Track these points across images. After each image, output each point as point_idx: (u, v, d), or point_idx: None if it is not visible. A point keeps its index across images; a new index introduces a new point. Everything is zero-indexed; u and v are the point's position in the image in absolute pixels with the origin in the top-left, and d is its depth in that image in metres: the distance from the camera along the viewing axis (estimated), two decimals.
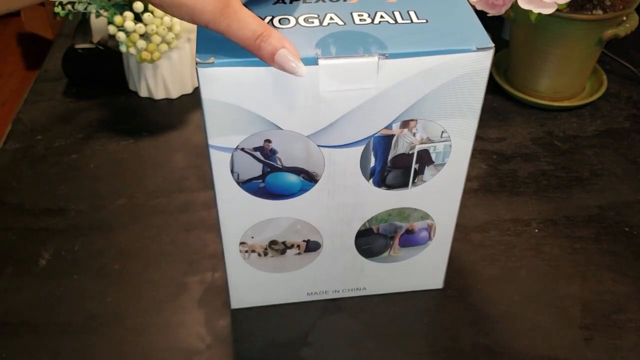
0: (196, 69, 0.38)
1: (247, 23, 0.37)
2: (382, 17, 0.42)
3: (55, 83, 0.82)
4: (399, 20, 0.41)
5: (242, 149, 0.42)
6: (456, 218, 0.51)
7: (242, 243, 0.49)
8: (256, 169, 0.44)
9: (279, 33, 0.37)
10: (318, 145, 0.43)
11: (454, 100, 0.42)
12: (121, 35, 0.69)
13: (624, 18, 0.73)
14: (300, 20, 0.41)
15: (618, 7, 0.71)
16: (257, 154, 0.43)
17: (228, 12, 0.36)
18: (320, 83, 0.39)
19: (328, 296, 0.55)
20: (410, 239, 0.52)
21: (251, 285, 0.52)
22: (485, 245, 0.60)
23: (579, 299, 0.56)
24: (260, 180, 0.45)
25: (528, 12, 0.65)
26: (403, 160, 0.45)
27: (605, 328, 0.53)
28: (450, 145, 0.45)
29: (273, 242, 0.49)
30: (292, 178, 0.45)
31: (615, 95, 0.81)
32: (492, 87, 0.81)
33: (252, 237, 0.49)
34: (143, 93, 0.79)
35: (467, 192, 0.66)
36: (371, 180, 0.46)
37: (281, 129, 0.41)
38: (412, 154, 0.45)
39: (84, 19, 0.80)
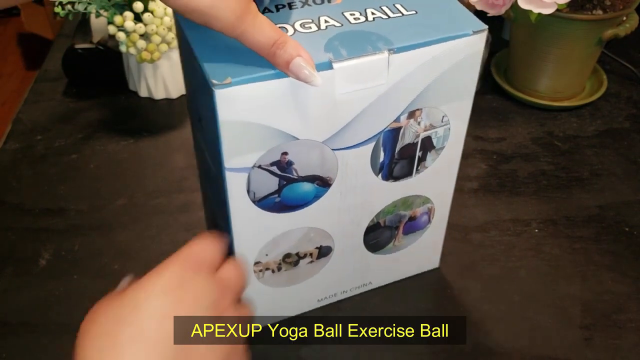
0: (212, 91, 0.36)
1: (262, 30, 0.36)
2: (373, 13, 0.42)
3: (55, 83, 0.82)
4: (390, 14, 0.42)
5: (259, 166, 0.41)
6: (452, 197, 0.53)
7: (256, 263, 0.47)
8: (272, 184, 0.42)
9: (295, 41, 0.37)
10: (332, 150, 0.42)
11: (454, 84, 0.43)
12: (121, 35, 0.69)
13: (624, 18, 0.73)
14: (297, 27, 0.40)
15: (618, 7, 0.71)
16: (274, 168, 0.41)
17: (245, 18, 0.35)
18: (336, 86, 0.39)
19: (337, 298, 0.54)
20: (413, 226, 0.52)
21: (264, 303, 0.50)
22: (485, 245, 0.60)
23: (579, 299, 0.56)
24: (277, 195, 0.43)
25: (528, 12, 0.65)
26: (409, 150, 0.46)
27: (605, 328, 0.53)
28: (449, 129, 0.46)
29: (287, 256, 0.48)
30: (307, 187, 0.44)
31: (615, 95, 0.81)
32: (492, 87, 0.81)
33: (267, 255, 0.47)
34: (143, 93, 0.79)
35: (467, 192, 0.66)
36: (380, 175, 0.46)
37: (297, 138, 0.41)
38: (417, 142, 0.46)
39: (84, 19, 0.80)
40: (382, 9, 0.42)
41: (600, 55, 0.77)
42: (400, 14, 0.42)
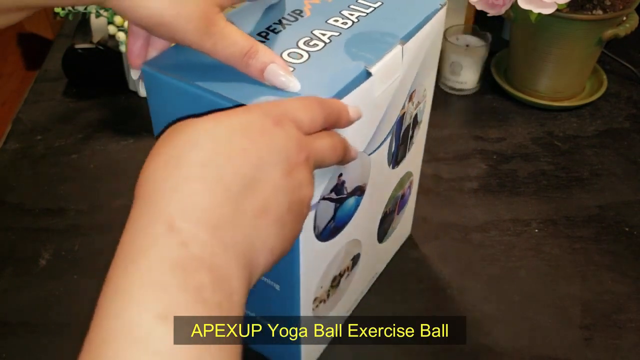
0: None
1: (233, 40, 0.34)
2: (351, 14, 0.42)
3: (55, 83, 0.82)
4: (366, 11, 0.43)
5: (324, 198, 0.39)
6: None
7: (314, 299, 0.45)
8: (330, 210, 0.40)
9: (267, 48, 0.35)
10: (368, 155, 0.42)
11: (430, 56, 0.45)
12: (121, 35, 0.69)
13: (624, 18, 0.73)
14: (303, 46, 0.39)
15: (618, 7, 0.71)
16: (333, 194, 0.40)
17: (213, 30, 0.34)
18: (375, 90, 0.39)
19: (357, 301, 0.54)
20: (403, 203, 0.54)
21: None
22: (485, 245, 0.60)
23: (579, 299, 0.55)
24: (332, 220, 0.41)
25: (528, 12, 0.65)
26: (406, 132, 0.47)
27: (605, 328, 0.53)
28: (426, 101, 0.48)
29: (333, 280, 0.46)
30: (351, 201, 0.43)
31: (615, 95, 0.81)
32: (492, 87, 0.81)
33: (321, 287, 0.45)
34: (143, 93, 0.79)
35: (467, 192, 0.66)
36: (391, 165, 0.47)
37: None
38: (410, 123, 0.47)
39: (84, 19, 0.80)
40: (352, 8, 0.43)
41: (600, 55, 0.77)
42: (372, 8, 0.43)
